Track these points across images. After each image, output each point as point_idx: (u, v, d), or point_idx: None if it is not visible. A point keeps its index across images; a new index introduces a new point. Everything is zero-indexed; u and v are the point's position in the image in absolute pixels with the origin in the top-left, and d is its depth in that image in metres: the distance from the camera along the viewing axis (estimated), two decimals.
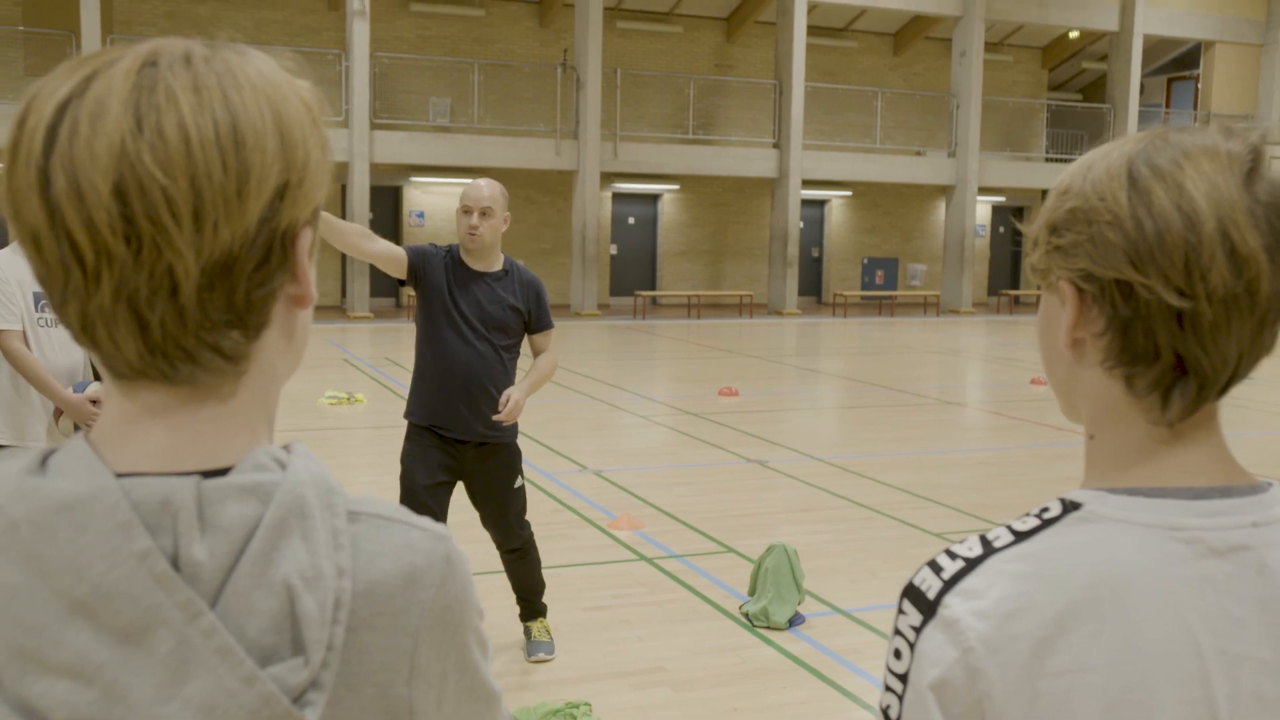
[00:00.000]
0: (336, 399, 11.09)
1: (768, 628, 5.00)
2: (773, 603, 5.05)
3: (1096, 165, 0.91)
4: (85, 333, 0.75)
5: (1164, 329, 0.87)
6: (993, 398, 12.86)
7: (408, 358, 14.94)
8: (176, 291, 0.73)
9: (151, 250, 0.72)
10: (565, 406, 11.28)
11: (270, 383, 0.83)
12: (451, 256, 4.29)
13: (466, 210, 4.21)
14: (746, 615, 5.11)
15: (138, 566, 0.71)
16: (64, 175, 0.71)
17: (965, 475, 8.43)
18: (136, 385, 0.77)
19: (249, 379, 0.80)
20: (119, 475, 0.74)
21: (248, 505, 0.74)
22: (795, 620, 5.05)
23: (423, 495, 4.25)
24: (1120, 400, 0.91)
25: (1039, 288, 0.98)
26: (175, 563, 0.72)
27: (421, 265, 4.24)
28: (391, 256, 4.17)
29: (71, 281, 0.73)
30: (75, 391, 4.02)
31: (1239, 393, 12.79)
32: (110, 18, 20.23)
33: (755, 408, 11.40)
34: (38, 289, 3.98)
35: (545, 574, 5.59)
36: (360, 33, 20.14)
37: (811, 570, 5.63)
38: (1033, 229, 0.96)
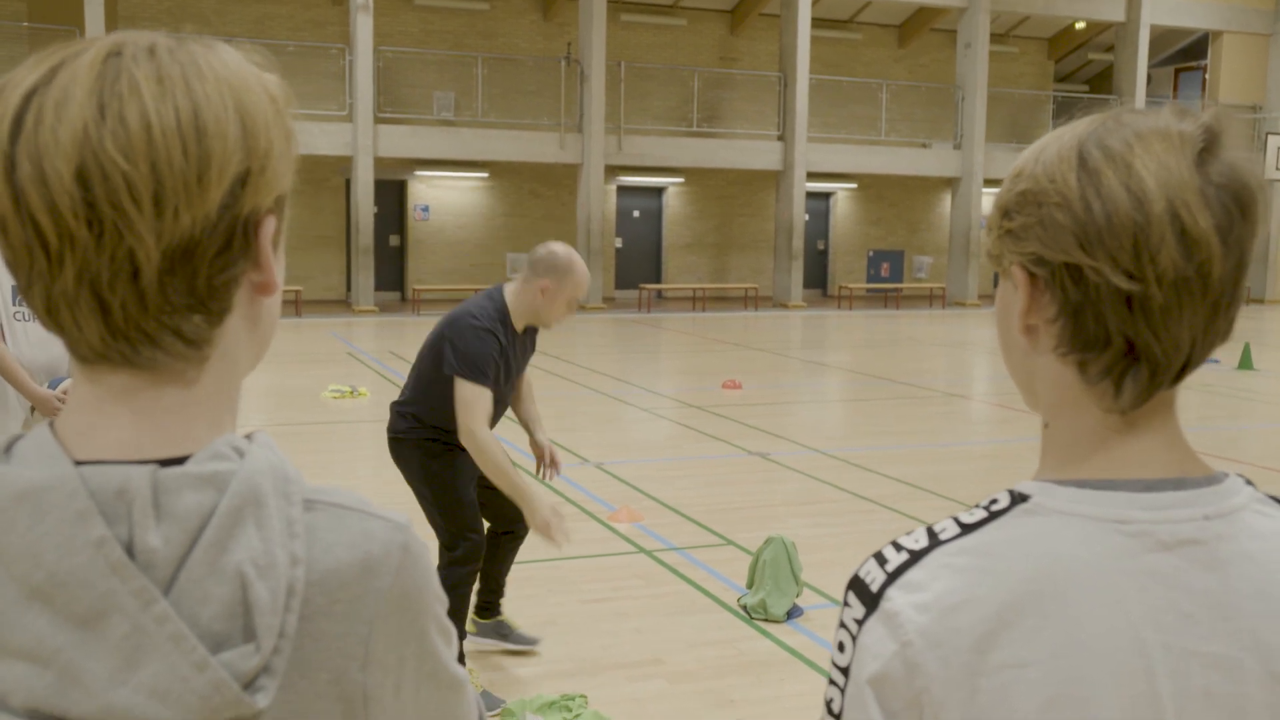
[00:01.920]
0: (340, 393, 11.12)
1: (765, 620, 5.01)
2: (770, 595, 5.06)
3: (1049, 147, 0.90)
4: (50, 316, 0.77)
5: (1114, 313, 0.85)
6: (997, 390, 12.85)
7: (412, 352, 14.93)
8: (137, 275, 0.75)
9: (113, 234, 0.73)
10: (569, 400, 11.29)
11: (233, 370, 0.84)
12: (504, 326, 3.92)
13: (571, 303, 3.97)
14: (744, 608, 5.12)
15: (93, 554, 0.72)
16: (29, 161, 0.73)
17: (969, 468, 8.43)
18: (100, 369, 0.79)
19: (212, 365, 0.81)
20: (81, 463, 0.76)
21: (203, 494, 0.76)
22: (793, 613, 5.06)
23: (475, 499, 4.08)
24: (1074, 387, 0.90)
25: (995, 274, 0.97)
26: (130, 550, 0.73)
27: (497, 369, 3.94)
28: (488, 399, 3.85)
29: (36, 265, 0.75)
30: (50, 387, 4.02)
31: (1244, 384, 12.76)
32: (114, 13, 20.26)
33: (759, 400, 11.41)
34: (15, 283, 3.94)
35: (544, 566, 5.60)
36: (364, 27, 20.14)
37: (812, 563, 5.64)
38: (989, 214, 0.95)
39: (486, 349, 3.79)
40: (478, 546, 4.01)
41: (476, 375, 3.75)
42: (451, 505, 4.00)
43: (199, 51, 0.79)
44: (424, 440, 4.01)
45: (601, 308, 22.10)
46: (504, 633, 4.55)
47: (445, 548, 4.00)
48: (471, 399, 3.73)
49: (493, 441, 3.80)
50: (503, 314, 3.91)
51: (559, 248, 3.96)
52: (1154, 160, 0.84)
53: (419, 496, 4.07)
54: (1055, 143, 0.90)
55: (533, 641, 4.57)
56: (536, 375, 12.06)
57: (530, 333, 4.12)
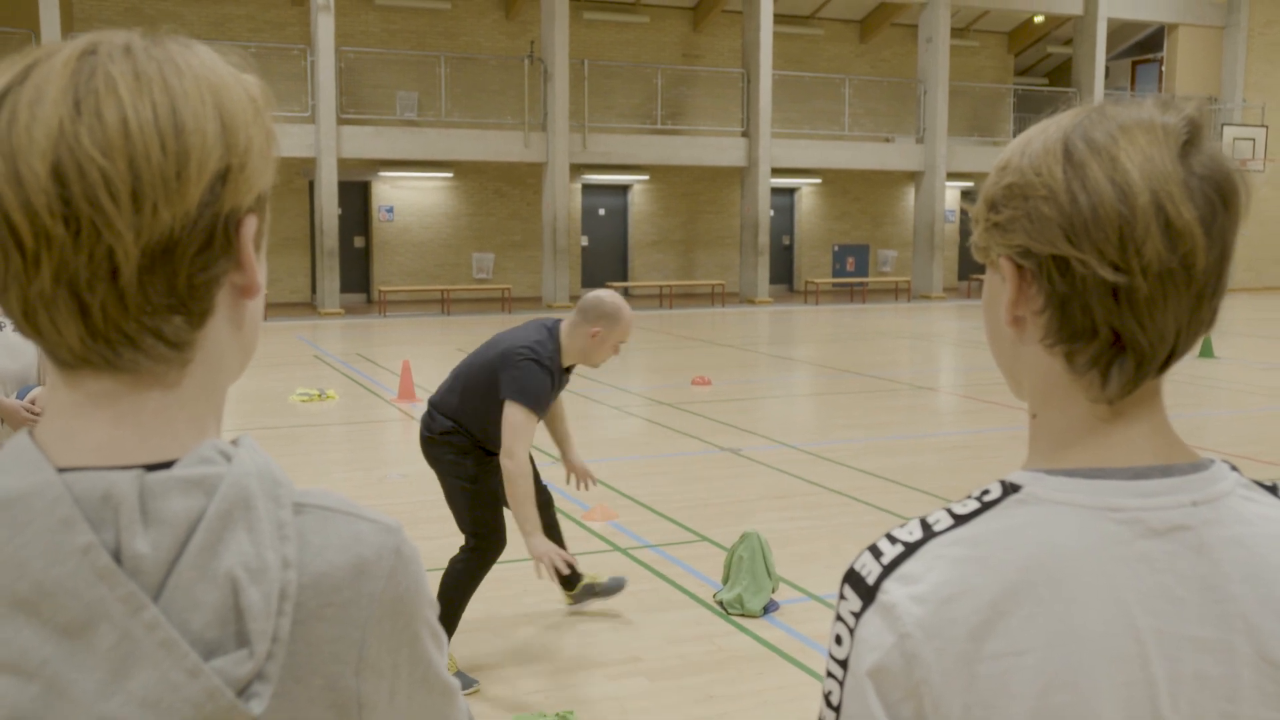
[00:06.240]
0: (308, 396, 11.02)
1: (742, 615, 5.01)
2: (747, 590, 5.07)
3: (1034, 141, 0.91)
4: (27, 319, 0.75)
5: (1100, 305, 0.86)
6: (965, 382, 12.94)
7: (380, 353, 14.88)
8: (116, 274, 0.73)
9: (90, 232, 0.72)
10: None
11: (218, 374, 0.82)
12: (555, 362, 4.22)
13: (616, 347, 4.31)
14: (721, 603, 5.12)
15: (79, 561, 0.71)
16: (2, 160, 0.72)
17: (938, 459, 8.48)
18: (80, 374, 0.77)
19: (195, 368, 0.79)
20: (62, 470, 0.74)
21: (192, 498, 0.74)
22: (769, 607, 5.07)
23: (502, 499, 4.35)
24: (1061, 378, 0.91)
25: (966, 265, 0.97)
26: (118, 557, 0.72)
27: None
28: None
29: (11, 266, 0.73)
30: (19, 397, 3.95)
31: (1205, 372, 12.91)
32: (70, 15, 19.99)
33: (728, 396, 11.43)
34: None
35: (520, 566, 5.57)
36: (325, 27, 19.99)
37: (786, 557, 5.65)
38: (974, 207, 0.96)
39: (542, 383, 4.12)
40: (500, 543, 4.35)
41: (531, 404, 4.08)
42: (486, 501, 4.32)
43: (176, 50, 0.77)
44: (464, 445, 4.31)
45: (568, 307, 22.06)
46: (595, 591, 5.00)
47: (472, 540, 4.31)
48: (522, 425, 4.06)
49: (527, 468, 4.12)
50: (557, 351, 4.22)
51: (607, 296, 4.28)
52: (1138, 153, 0.85)
53: (450, 493, 4.35)
54: (1040, 136, 0.90)
55: (621, 581, 5.00)
56: None
57: (570, 369, 4.42)
